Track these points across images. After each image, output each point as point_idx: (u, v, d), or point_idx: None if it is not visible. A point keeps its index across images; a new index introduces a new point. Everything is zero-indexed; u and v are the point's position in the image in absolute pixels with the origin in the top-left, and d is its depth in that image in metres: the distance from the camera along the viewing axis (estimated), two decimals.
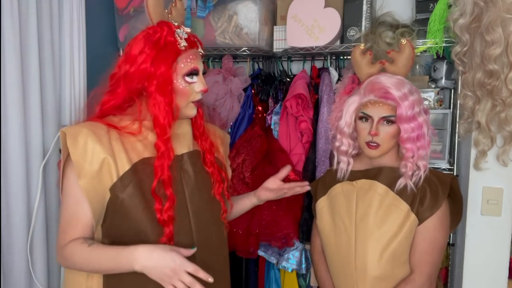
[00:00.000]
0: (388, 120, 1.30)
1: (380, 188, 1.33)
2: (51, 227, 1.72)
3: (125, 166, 1.08)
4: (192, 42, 1.16)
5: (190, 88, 1.14)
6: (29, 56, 1.57)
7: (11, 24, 1.47)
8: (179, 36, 1.13)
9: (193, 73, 1.14)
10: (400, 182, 1.31)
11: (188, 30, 1.18)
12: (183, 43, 1.12)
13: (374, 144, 1.31)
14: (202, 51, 1.21)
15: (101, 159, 1.06)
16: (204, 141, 1.25)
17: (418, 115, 1.30)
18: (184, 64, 1.12)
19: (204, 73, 1.20)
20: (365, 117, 1.33)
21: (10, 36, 1.48)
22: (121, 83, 1.12)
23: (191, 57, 1.14)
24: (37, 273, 1.62)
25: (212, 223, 1.24)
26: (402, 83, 1.31)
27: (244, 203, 1.45)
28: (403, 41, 1.37)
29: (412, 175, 1.32)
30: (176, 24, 1.16)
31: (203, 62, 1.22)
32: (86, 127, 1.08)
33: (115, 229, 1.11)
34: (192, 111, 1.17)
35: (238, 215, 1.47)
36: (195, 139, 1.26)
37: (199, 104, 1.18)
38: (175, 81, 1.12)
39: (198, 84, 1.15)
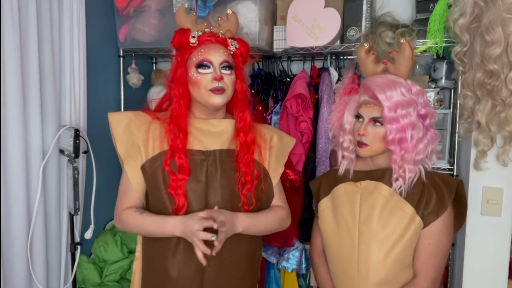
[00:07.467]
0: (377, 121, 1.30)
1: (384, 189, 1.31)
2: (51, 227, 1.72)
3: (155, 151, 1.27)
4: (205, 39, 1.28)
5: (203, 77, 1.25)
6: (29, 56, 1.57)
7: (11, 24, 1.47)
8: (192, 35, 1.27)
9: (204, 64, 1.25)
10: (394, 187, 1.30)
11: (221, 31, 1.34)
12: (192, 40, 1.27)
13: (363, 144, 1.32)
14: (232, 47, 1.31)
15: (137, 145, 1.27)
16: (243, 136, 1.31)
17: (403, 117, 1.26)
18: (195, 57, 1.26)
19: (227, 66, 1.26)
20: (359, 117, 1.34)
21: (10, 36, 1.48)
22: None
23: (202, 50, 1.26)
24: (37, 273, 1.62)
25: None
26: (391, 84, 1.29)
27: None
28: (402, 40, 1.36)
29: (411, 178, 1.29)
30: (221, 32, 1.33)
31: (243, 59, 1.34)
32: (129, 116, 1.30)
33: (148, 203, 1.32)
34: (212, 99, 1.25)
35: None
36: (235, 134, 1.32)
37: (219, 91, 1.25)
38: (190, 74, 1.26)
39: (212, 74, 1.25)
